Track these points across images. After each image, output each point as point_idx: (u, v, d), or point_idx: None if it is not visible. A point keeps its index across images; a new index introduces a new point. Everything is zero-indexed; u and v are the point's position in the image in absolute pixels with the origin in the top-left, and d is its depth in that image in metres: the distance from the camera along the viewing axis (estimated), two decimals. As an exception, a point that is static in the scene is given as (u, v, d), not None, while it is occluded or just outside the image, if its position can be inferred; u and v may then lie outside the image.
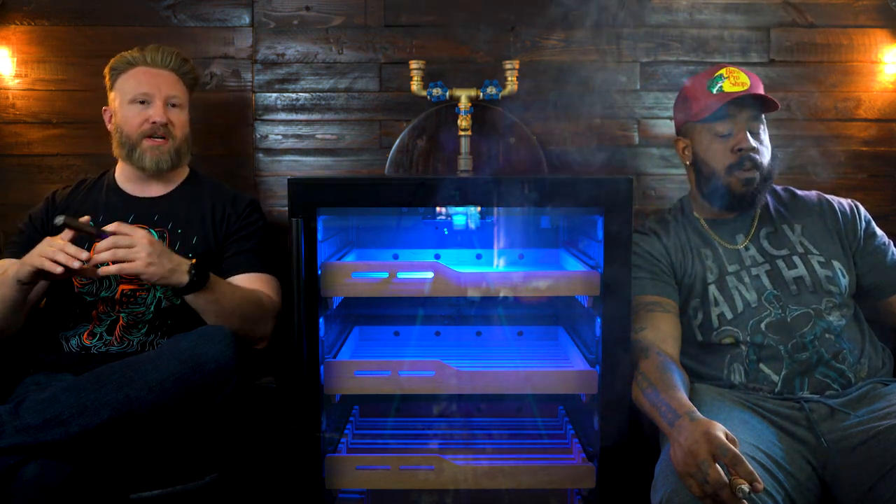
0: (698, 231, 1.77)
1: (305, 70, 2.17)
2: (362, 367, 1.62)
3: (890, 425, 1.45)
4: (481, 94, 2.04)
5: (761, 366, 1.63)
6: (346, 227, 2.02)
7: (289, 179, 1.51)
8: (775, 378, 1.62)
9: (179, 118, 1.87)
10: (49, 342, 1.80)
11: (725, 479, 1.22)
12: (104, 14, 2.13)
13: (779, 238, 1.73)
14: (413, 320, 2.07)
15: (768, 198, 1.78)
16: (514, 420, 2.00)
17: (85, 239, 1.69)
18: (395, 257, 2.04)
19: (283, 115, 2.18)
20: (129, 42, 2.08)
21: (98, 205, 1.86)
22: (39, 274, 1.57)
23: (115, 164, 1.93)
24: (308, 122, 2.18)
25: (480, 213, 1.85)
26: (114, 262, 1.56)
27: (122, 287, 1.78)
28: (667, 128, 2.18)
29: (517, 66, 2.04)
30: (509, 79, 2.04)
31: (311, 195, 1.52)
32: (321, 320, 1.56)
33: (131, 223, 1.81)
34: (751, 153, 1.67)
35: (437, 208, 1.83)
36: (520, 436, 1.88)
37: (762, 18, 2.17)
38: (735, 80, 1.68)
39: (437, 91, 2.02)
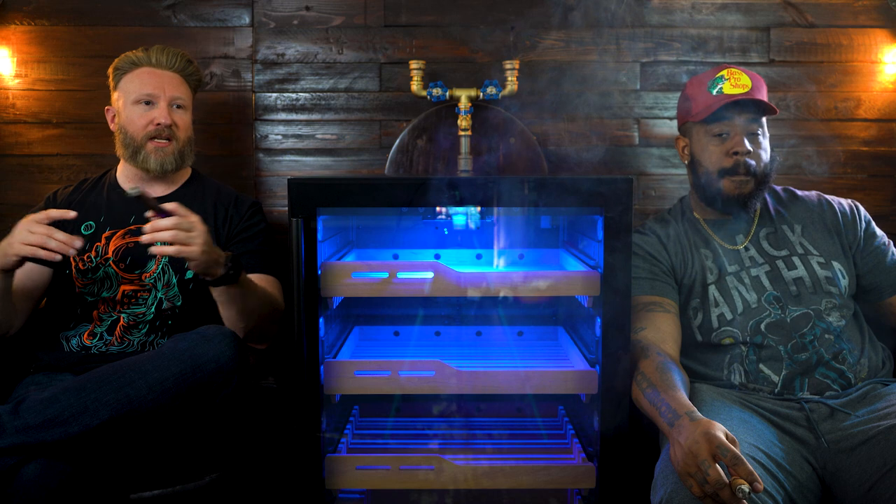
0: (698, 231, 1.77)
1: (305, 70, 2.17)
2: (362, 367, 1.62)
3: (890, 425, 1.45)
4: (481, 94, 2.04)
5: (761, 366, 1.63)
6: (346, 227, 2.02)
7: (289, 179, 1.51)
8: (775, 378, 1.62)
9: (183, 120, 1.86)
10: (49, 342, 1.80)
11: (725, 479, 1.22)
12: (104, 14, 2.13)
13: (778, 239, 1.73)
14: (413, 320, 2.07)
15: (768, 198, 1.78)
16: (514, 420, 2.00)
17: (66, 223, 1.69)
18: (395, 257, 2.04)
19: (283, 115, 2.18)
20: (129, 42, 2.09)
21: (99, 204, 1.86)
22: (26, 260, 1.57)
23: (117, 163, 1.93)
24: (308, 122, 2.18)
25: (480, 213, 1.85)
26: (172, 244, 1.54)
27: (123, 287, 1.78)
28: (667, 128, 2.18)
29: (517, 66, 2.04)
30: (509, 79, 2.04)
31: (310, 195, 1.52)
32: (321, 320, 1.56)
33: (133, 223, 1.82)
34: (746, 158, 1.67)
35: (437, 208, 1.83)
36: (520, 436, 1.88)
37: (762, 18, 2.17)
38: (736, 82, 1.68)
39: (437, 91, 2.02)
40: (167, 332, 1.78)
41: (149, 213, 1.54)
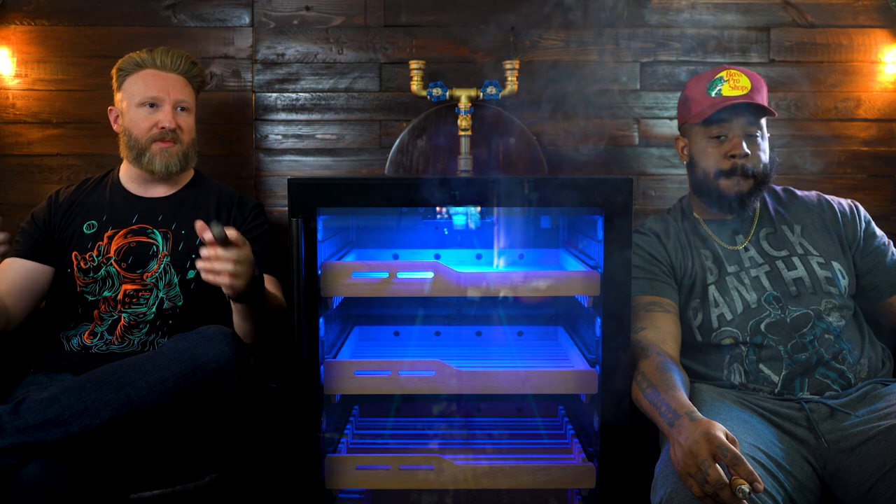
0: (698, 232, 1.77)
1: (305, 70, 2.17)
2: (362, 368, 1.62)
3: (890, 425, 1.46)
4: (481, 94, 2.04)
5: (761, 366, 1.63)
6: (346, 227, 2.02)
7: (289, 179, 1.51)
8: (775, 378, 1.62)
9: (187, 122, 1.86)
10: (50, 342, 1.80)
11: (725, 479, 1.22)
12: (104, 14, 2.13)
13: (778, 239, 1.73)
14: (413, 320, 2.07)
15: (767, 198, 1.78)
16: (514, 420, 2.00)
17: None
18: (395, 257, 2.04)
19: (283, 115, 2.18)
20: (129, 42, 2.09)
21: (102, 204, 1.86)
22: None
23: (117, 163, 1.93)
24: (308, 122, 2.18)
25: (480, 213, 1.85)
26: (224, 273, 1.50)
27: (125, 287, 1.78)
28: (667, 128, 2.18)
29: (517, 66, 2.04)
30: (509, 79, 2.04)
31: (311, 195, 1.52)
32: (321, 320, 1.56)
33: (135, 223, 1.82)
34: (743, 161, 1.67)
35: (437, 208, 1.83)
36: (520, 436, 1.88)
37: (762, 18, 2.17)
38: (735, 84, 1.68)
39: (437, 91, 2.02)
40: (168, 331, 1.78)
41: (206, 237, 1.47)
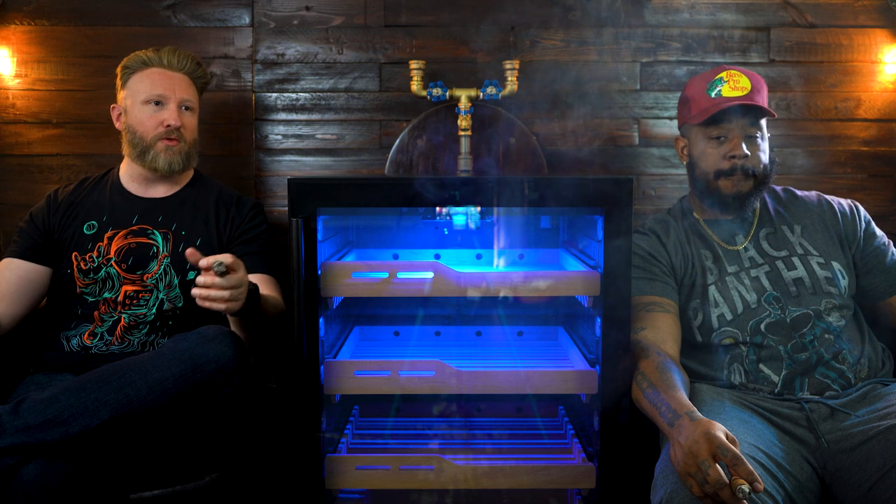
0: (698, 232, 1.77)
1: (305, 70, 2.17)
2: (362, 368, 1.62)
3: (890, 425, 1.46)
4: (481, 94, 2.04)
5: (761, 366, 1.63)
6: (346, 227, 2.02)
7: (289, 179, 1.52)
8: (775, 378, 1.62)
9: (191, 122, 1.87)
10: (50, 342, 1.80)
11: (726, 479, 1.22)
12: (104, 14, 2.13)
13: (778, 239, 1.73)
14: (413, 320, 2.07)
15: (767, 198, 1.78)
16: (514, 420, 2.00)
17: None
18: (395, 257, 2.04)
19: (283, 115, 2.18)
20: (129, 42, 2.09)
21: (102, 204, 1.86)
22: None
23: (118, 162, 1.93)
24: (308, 122, 2.18)
25: (480, 213, 1.85)
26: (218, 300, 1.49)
27: (125, 288, 1.78)
28: (667, 128, 2.18)
29: (517, 66, 2.04)
30: (509, 79, 2.04)
31: (311, 195, 1.52)
32: (321, 320, 1.56)
33: (136, 223, 1.82)
34: (743, 162, 1.67)
35: (437, 208, 1.83)
36: (520, 436, 1.88)
37: (762, 18, 2.17)
38: (735, 85, 1.68)
39: (437, 91, 2.02)
40: (168, 332, 1.78)
41: (202, 264, 1.46)
